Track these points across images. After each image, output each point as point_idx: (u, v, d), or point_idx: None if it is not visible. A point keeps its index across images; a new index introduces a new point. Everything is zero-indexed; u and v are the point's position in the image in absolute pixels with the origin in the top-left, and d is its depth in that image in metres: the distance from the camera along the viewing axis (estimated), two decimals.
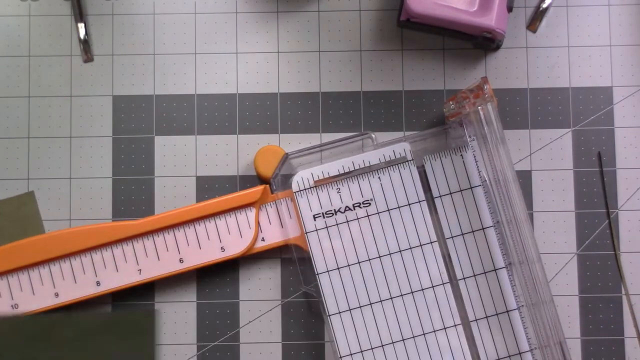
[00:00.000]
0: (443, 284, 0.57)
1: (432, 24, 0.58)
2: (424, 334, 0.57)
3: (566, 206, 0.59)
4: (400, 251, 0.57)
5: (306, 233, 0.57)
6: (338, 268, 0.57)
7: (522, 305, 0.56)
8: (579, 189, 0.59)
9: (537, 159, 0.59)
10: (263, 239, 0.58)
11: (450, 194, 0.58)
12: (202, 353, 0.59)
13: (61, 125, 0.60)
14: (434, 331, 0.57)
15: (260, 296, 0.59)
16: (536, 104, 0.60)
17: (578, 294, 0.59)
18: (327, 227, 0.57)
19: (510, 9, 0.57)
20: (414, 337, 0.57)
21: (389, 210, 0.58)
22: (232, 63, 0.60)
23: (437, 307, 0.57)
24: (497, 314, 0.57)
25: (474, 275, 0.57)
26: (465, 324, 0.57)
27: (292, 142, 0.60)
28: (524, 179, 0.59)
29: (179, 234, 0.57)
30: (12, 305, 0.56)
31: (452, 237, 0.57)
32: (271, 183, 0.58)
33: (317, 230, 0.57)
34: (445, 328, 0.57)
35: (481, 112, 0.54)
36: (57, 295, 0.56)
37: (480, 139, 0.55)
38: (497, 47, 0.60)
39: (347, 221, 0.58)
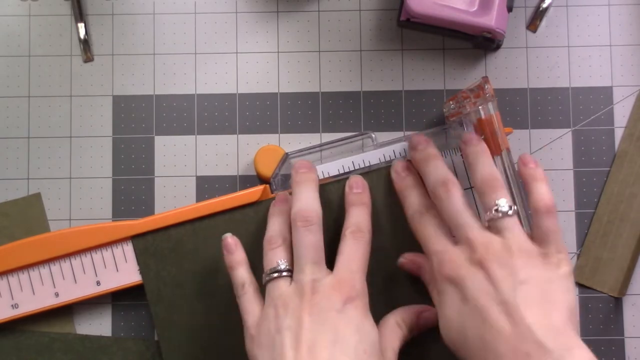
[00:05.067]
0: None
1: (432, 24, 0.58)
2: None
3: (566, 206, 0.59)
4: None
5: None
6: None
7: None
8: (579, 189, 0.59)
9: (537, 158, 0.59)
10: None
11: None
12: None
13: (61, 125, 0.60)
14: None
15: None
16: (536, 104, 0.60)
17: (578, 294, 0.59)
18: None
19: (510, 9, 0.57)
20: None
21: None
22: (232, 63, 0.60)
23: None
24: None
25: None
26: None
27: (292, 142, 0.60)
28: None
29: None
30: (12, 305, 0.56)
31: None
32: (271, 183, 0.58)
33: None
34: None
35: (482, 112, 0.54)
36: (57, 295, 0.56)
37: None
38: (497, 47, 0.60)
39: None
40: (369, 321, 0.50)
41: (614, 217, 0.58)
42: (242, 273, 0.53)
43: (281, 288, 0.50)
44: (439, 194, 0.51)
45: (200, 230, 0.56)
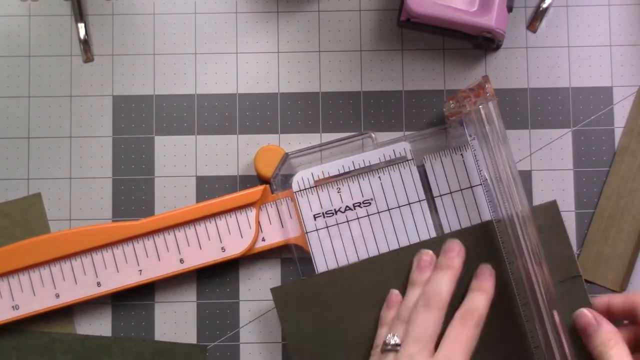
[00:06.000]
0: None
1: (432, 24, 0.58)
2: None
3: (566, 206, 0.59)
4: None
5: (306, 233, 0.57)
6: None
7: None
8: (579, 188, 0.59)
9: (537, 159, 0.59)
10: (263, 239, 0.58)
11: (451, 193, 0.58)
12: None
13: (61, 125, 0.60)
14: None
15: (260, 296, 0.59)
16: (536, 104, 0.60)
17: None
18: (327, 227, 0.57)
19: (510, 9, 0.57)
20: None
21: (389, 209, 0.58)
22: (232, 63, 0.60)
23: None
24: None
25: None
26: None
27: (292, 142, 0.60)
28: (524, 179, 0.59)
29: (180, 234, 0.57)
30: (12, 306, 0.56)
31: None
32: (271, 183, 0.58)
33: (317, 230, 0.57)
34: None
35: (482, 111, 0.54)
36: (57, 296, 0.57)
37: (482, 137, 0.55)
38: (497, 47, 0.60)
39: (348, 221, 0.58)
40: None
41: (615, 212, 0.58)
42: (383, 335, 0.54)
43: None
44: (418, 304, 0.53)
45: (340, 281, 0.56)
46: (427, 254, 0.56)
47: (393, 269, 0.56)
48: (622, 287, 0.58)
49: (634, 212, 0.58)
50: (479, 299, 0.54)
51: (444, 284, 0.53)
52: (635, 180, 0.58)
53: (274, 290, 0.56)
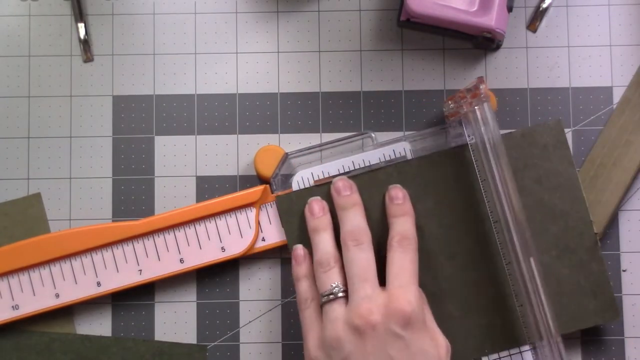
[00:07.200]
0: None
1: (432, 24, 0.58)
2: None
3: None
4: None
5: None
6: None
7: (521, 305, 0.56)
8: None
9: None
10: (263, 239, 0.58)
11: None
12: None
13: (61, 125, 0.60)
14: None
15: (260, 296, 0.59)
16: (536, 104, 0.60)
17: None
18: None
19: (510, 9, 0.57)
20: None
21: None
22: (232, 63, 0.60)
23: None
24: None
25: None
26: None
27: (292, 142, 0.60)
28: None
29: (180, 234, 0.57)
30: (12, 306, 0.56)
31: None
32: (271, 183, 0.58)
33: None
34: None
35: (478, 112, 0.54)
36: (57, 296, 0.57)
37: (478, 138, 0.55)
38: (497, 47, 0.60)
39: None
40: (433, 339, 0.51)
41: (607, 161, 0.58)
42: (306, 287, 0.54)
43: (336, 311, 0.51)
44: (348, 245, 0.52)
45: None
46: (317, 201, 0.56)
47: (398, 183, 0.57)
48: (602, 233, 0.58)
49: (627, 163, 0.58)
50: (408, 223, 0.54)
51: (359, 219, 0.54)
52: (632, 133, 0.58)
53: (279, 198, 0.57)
